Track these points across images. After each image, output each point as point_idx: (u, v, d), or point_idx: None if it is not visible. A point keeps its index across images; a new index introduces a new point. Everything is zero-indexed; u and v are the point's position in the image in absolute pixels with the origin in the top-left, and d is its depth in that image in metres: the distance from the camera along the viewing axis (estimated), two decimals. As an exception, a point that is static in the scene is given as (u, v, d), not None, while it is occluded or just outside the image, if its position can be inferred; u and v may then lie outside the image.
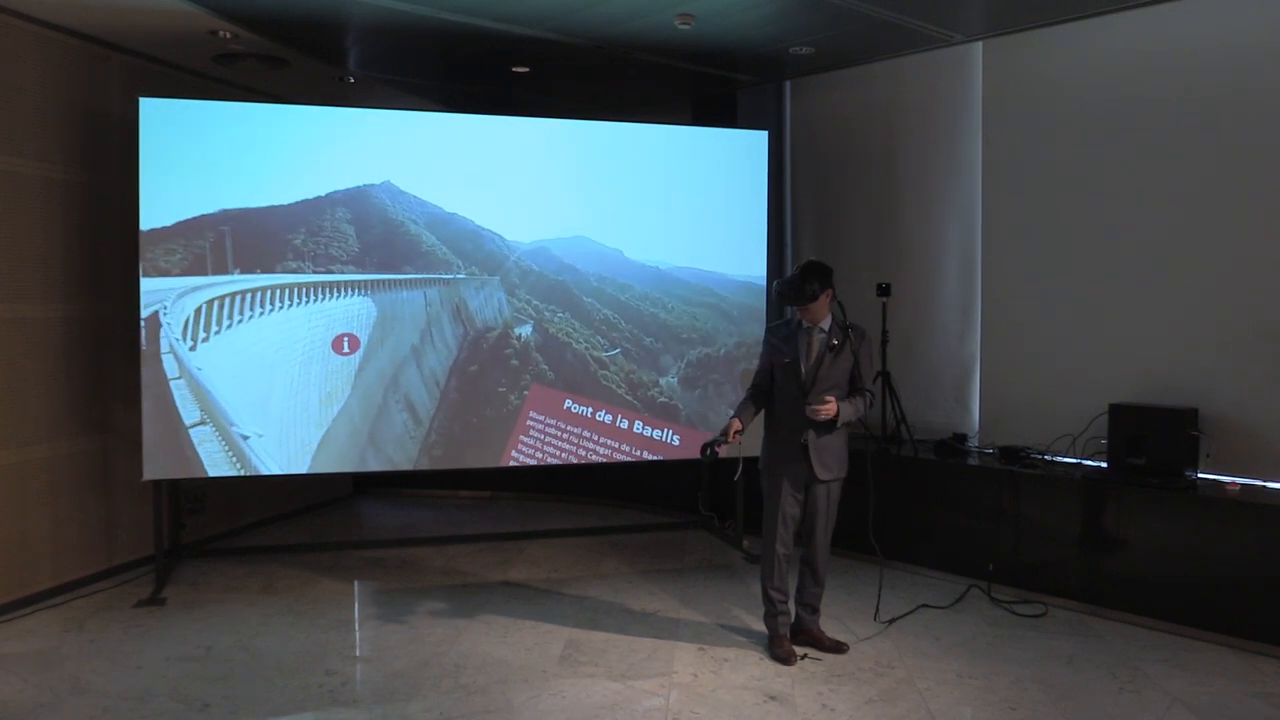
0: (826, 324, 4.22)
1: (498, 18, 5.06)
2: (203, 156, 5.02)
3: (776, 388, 4.29)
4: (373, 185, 5.30)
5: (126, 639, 4.48)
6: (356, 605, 5.07)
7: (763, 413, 4.39)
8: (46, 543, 4.99)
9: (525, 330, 5.64)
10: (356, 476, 7.36)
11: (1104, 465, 4.93)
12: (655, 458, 5.84)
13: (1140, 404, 4.88)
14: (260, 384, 5.13)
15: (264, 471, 5.21)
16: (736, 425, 4.19)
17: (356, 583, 5.44)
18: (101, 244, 5.31)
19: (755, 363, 4.56)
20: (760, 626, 4.45)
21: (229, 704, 3.78)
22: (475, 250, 5.56)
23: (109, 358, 5.35)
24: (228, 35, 5.20)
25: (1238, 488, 4.60)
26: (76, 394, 5.17)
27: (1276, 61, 4.59)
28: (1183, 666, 4.14)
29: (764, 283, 5.91)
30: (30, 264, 4.91)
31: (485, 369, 5.61)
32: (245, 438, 5.04)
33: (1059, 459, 5.22)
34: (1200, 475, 4.69)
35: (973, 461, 5.47)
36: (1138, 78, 5.04)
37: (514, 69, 6.09)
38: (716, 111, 6.76)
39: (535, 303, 5.66)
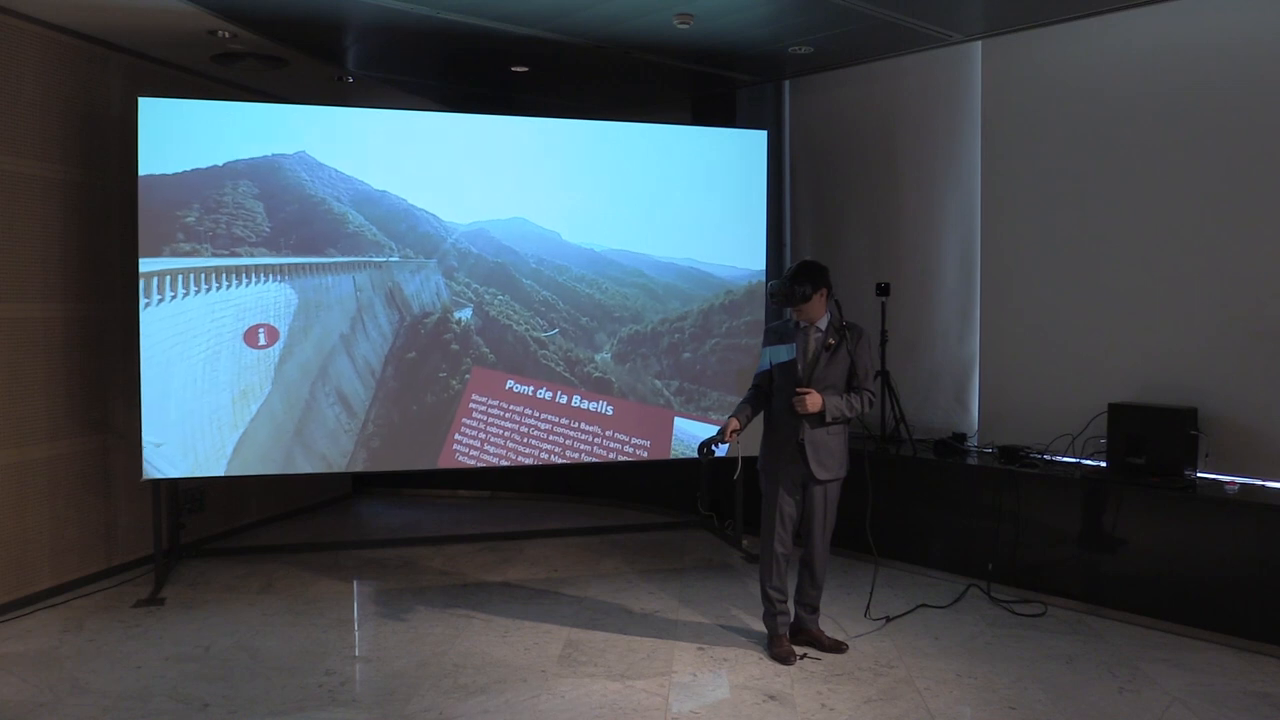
0: (823, 323, 4.22)
1: (497, 17, 5.06)
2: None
3: (774, 387, 4.29)
4: (284, 155, 4.80)
5: (126, 639, 4.48)
6: (356, 605, 5.07)
7: (762, 412, 4.39)
8: (46, 542, 5.00)
9: (465, 314, 5.52)
10: (356, 476, 7.36)
11: (1103, 465, 4.93)
12: (655, 458, 5.85)
13: (1140, 403, 4.88)
14: (156, 385, 4.75)
15: (171, 470, 4.90)
16: (734, 425, 4.19)
17: (356, 582, 5.44)
18: (101, 243, 5.31)
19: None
20: (759, 626, 4.46)
21: (228, 704, 3.78)
22: (409, 232, 5.28)
23: (109, 358, 5.35)
24: (227, 35, 5.20)
25: (1237, 487, 4.60)
26: (76, 394, 5.17)
27: (1277, 61, 4.59)
28: (1182, 666, 4.14)
29: (764, 282, 5.90)
30: (30, 264, 4.90)
31: (424, 355, 5.46)
32: (156, 446, 4.67)
33: (1058, 458, 5.22)
34: (1199, 475, 4.69)
35: (972, 461, 5.47)
36: (1137, 77, 5.04)
37: (513, 69, 6.09)
38: (716, 111, 6.76)
39: (475, 285, 5.53)
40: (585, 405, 5.78)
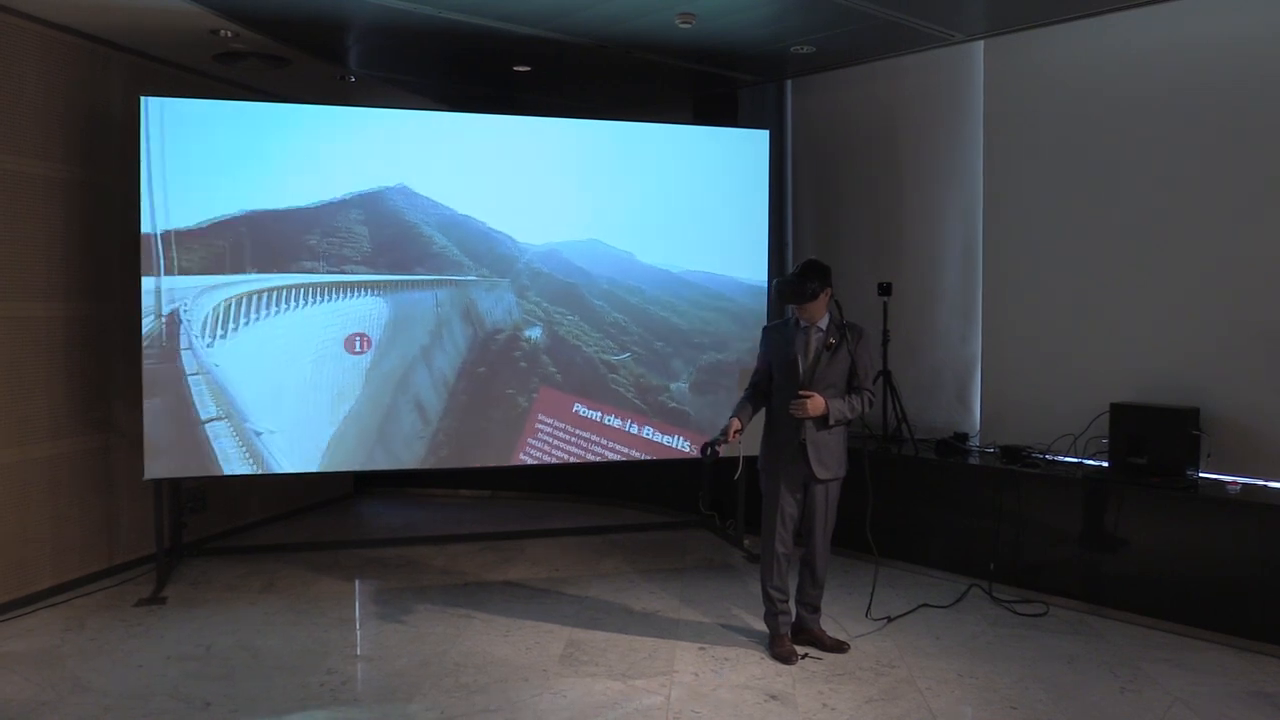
0: (824, 323, 4.22)
1: (499, 17, 5.06)
2: (219, 158, 5.04)
3: (775, 387, 4.28)
4: (388, 188, 5.35)
5: (127, 638, 4.48)
6: (357, 604, 5.07)
7: (761, 412, 4.39)
8: (47, 541, 5.00)
9: (535, 333, 5.64)
10: (357, 476, 7.36)
11: (1105, 464, 4.93)
12: (656, 457, 5.85)
13: (1141, 403, 4.88)
14: (274, 381, 5.16)
15: (276, 468, 5.24)
16: (736, 425, 4.19)
17: (357, 581, 5.44)
18: (102, 243, 5.31)
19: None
20: (761, 626, 4.45)
21: (230, 703, 3.78)
22: (487, 252, 5.58)
23: (110, 357, 5.35)
24: (229, 34, 5.20)
25: (1239, 487, 4.59)
26: (77, 393, 5.17)
27: (1279, 60, 4.59)
28: (1184, 666, 4.14)
29: (765, 282, 5.91)
30: (31, 263, 4.91)
31: (494, 371, 5.62)
32: (259, 434, 5.08)
33: (1060, 458, 5.22)
34: (1201, 475, 4.69)
35: (974, 461, 5.47)
36: (1139, 77, 5.04)
37: (515, 68, 6.10)
38: (717, 110, 6.76)
39: (545, 305, 5.66)
40: (659, 438, 5.79)
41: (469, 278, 5.54)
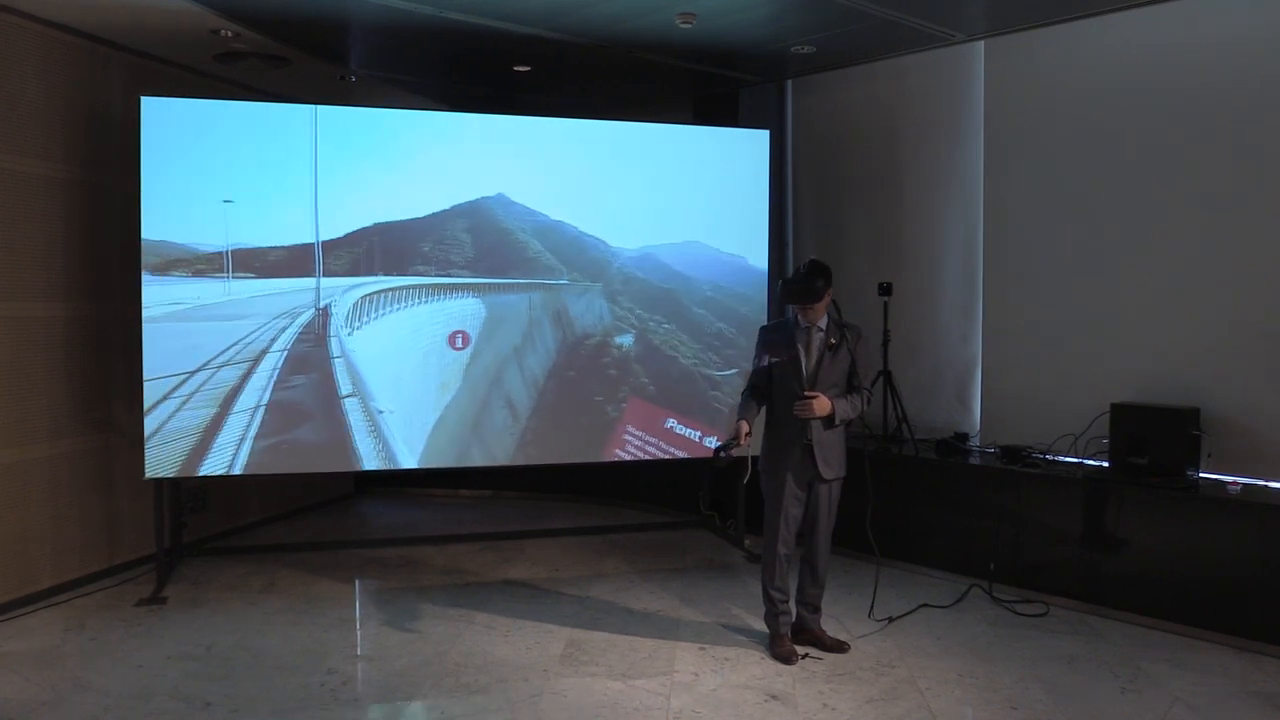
0: (823, 323, 4.23)
1: (499, 16, 5.06)
2: (367, 172, 5.38)
3: (776, 388, 4.28)
4: (488, 198, 5.61)
5: (128, 637, 4.48)
6: (357, 604, 5.07)
7: (761, 413, 4.38)
8: (48, 541, 5.00)
9: (626, 340, 5.67)
10: (357, 475, 7.35)
11: (1105, 465, 4.93)
12: (656, 457, 5.84)
13: (1142, 403, 4.88)
14: (393, 368, 5.50)
15: (392, 443, 5.44)
16: (746, 428, 4.16)
17: (357, 581, 5.44)
18: (102, 243, 5.31)
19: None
20: (761, 626, 4.45)
21: (230, 703, 3.78)
22: (578, 256, 5.70)
23: (110, 357, 5.35)
24: (229, 34, 5.20)
25: (1239, 487, 4.59)
26: (77, 393, 5.17)
27: (1279, 60, 4.59)
28: (1184, 666, 4.14)
29: (765, 282, 5.90)
30: (31, 263, 4.91)
31: (582, 376, 5.69)
32: (380, 412, 5.44)
33: (1060, 458, 5.22)
34: (1202, 475, 4.69)
35: (974, 461, 5.47)
36: (1140, 77, 5.04)
37: (515, 68, 6.09)
38: (717, 110, 6.76)
39: (639, 311, 5.69)
40: None
41: (561, 281, 5.70)
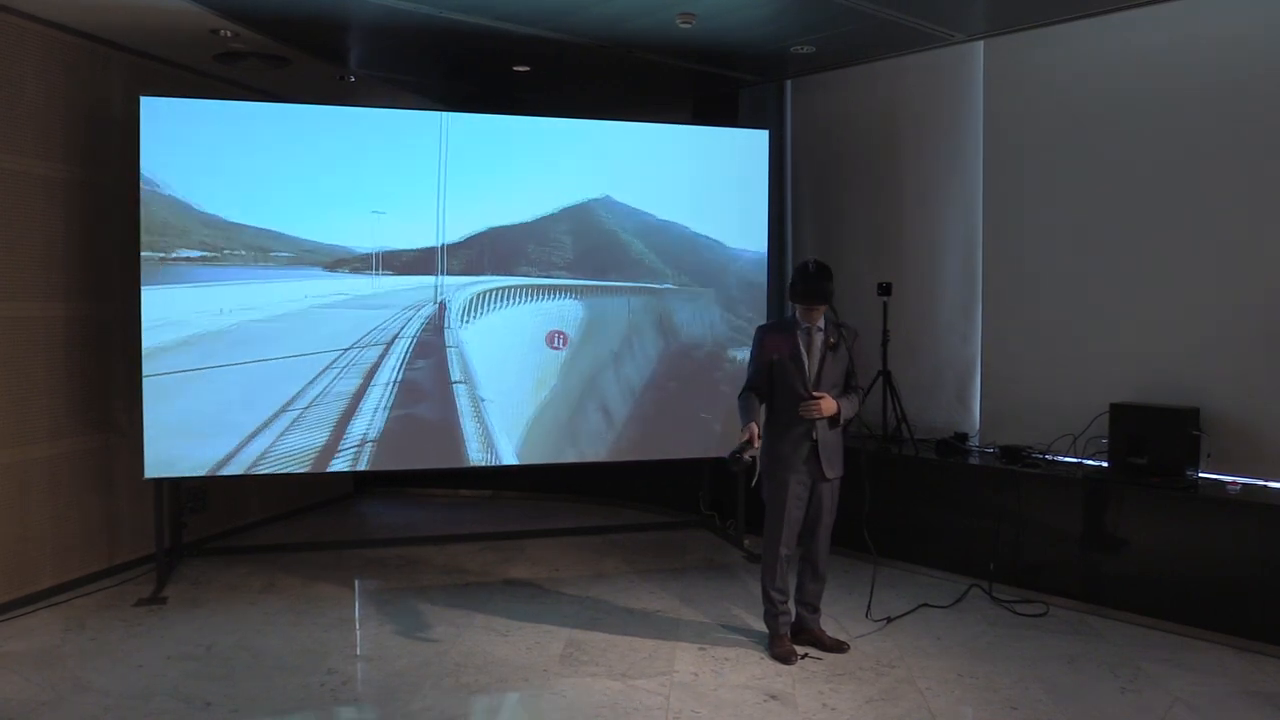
0: (821, 323, 4.23)
1: (499, 16, 5.06)
2: (487, 180, 5.60)
3: (778, 388, 4.26)
4: (593, 200, 5.73)
5: (128, 637, 4.48)
6: (357, 604, 5.07)
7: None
8: (48, 541, 5.00)
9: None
10: (357, 475, 7.36)
11: (1105, 465, 4.93)
12: (656, 457, 5.85)
13: (1141, 403, 4.88)
14: (496, 361, 5.67)
15: (492, 430, 5.57)
16: (755, 430, 4.12)
17: (357, 582, 5.44)
18: (102, 243, 5.31)
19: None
20: (761, 626, 4.45)
21: (230, 703, 3.78)
22: (689, 258, 5.67)
23: (110, 357, 5.35)
24: (229, 34, 5.20)
25: (1238, 487, 4.59)
26: (77, 393, 5.17)
27: (1279, 59, 4.59)
28: (1184, 666, 4.14)
29: (765, 282, 5.90)
30: (31, 262, 4.91)
31: (686, 388, 5.67)
32: (483, 400, 5.61)
33: (1060, 458, 5.22)
34: (1201, 475, 4.69)
35: (974, 461, 5.47)
36: (1140, 77, 5.04)
37: (515, 68, 6.09)
38: (717, 110, 6.75)
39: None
40: None
41: (666, 285, 5.67)
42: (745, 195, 5.88)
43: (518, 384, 5.67)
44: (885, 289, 5.73)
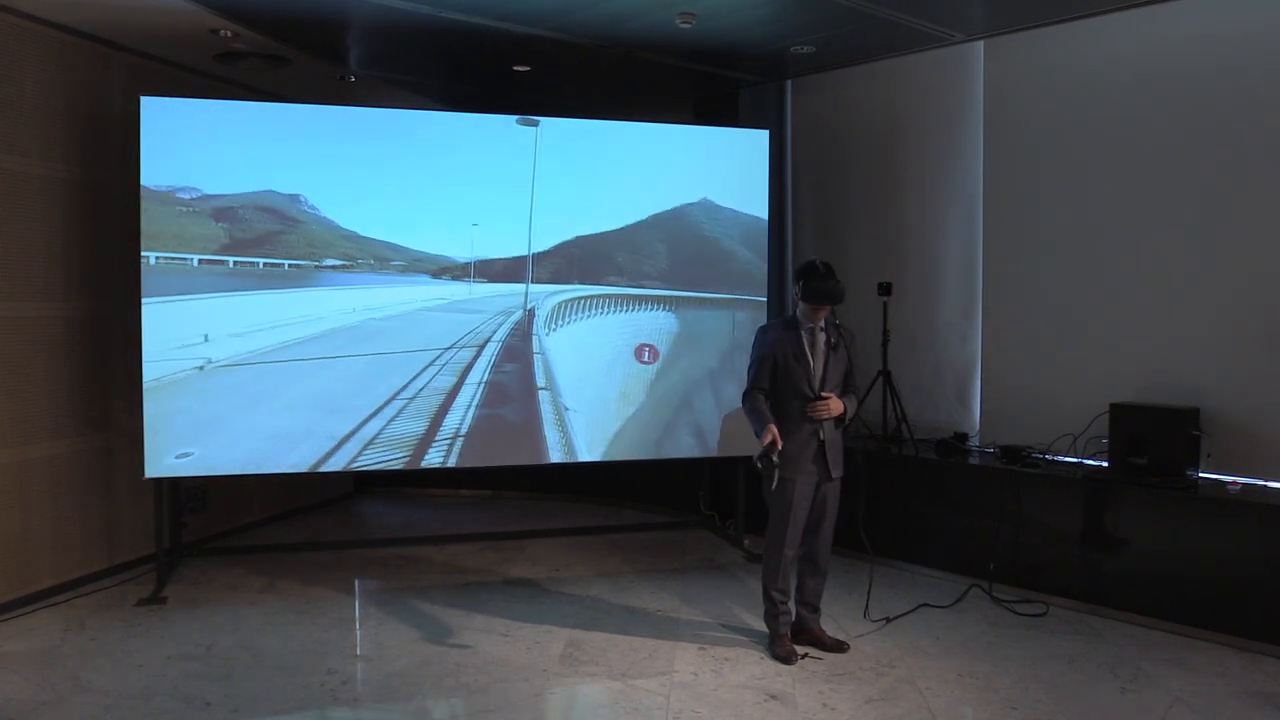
0: (822, 324, 4.23)
1: (499, 16, 5.06)
2: (576, 189, 5.65)
3: (783, 389, 4.25)
4: (689, 204, 5.61)
5: (128, 637, 4.48)
6: (357, 604, 5.07)
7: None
8: (47, 541, 5.00)
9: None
10: (357, 475, 7.36)
11: (1105, 465, 4.93)
12: (656, 457, 5.85)
13: (1142, 403, 4.88)
14: (580, 370, 5.71)
15: (574, 439, 5.62)
16: (776, 431, 4.09)
17: (357, 581, 5.44)
18: (102, 243, 5.31)
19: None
20: (761, 626, 4.45)
21: (230, 703, 3.78)
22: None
23: (110, 357, 5.35)
24: (229, 34, 5.20)
25: (1239, 487, 4.59)
26: (77, 392, 5.17)
27: (1278, 59, 4.58)
28: (1184, 666, 4.14)
29: (764, 282, 5.90)
30: (31, 262, 4.91)
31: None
32: (566, 409, 5.64)
33: (1060, 458, 5.22)
34: (1201, 475, 4.69)
35: (974, 461, 5.47)
36: (1140, 76, 5.04)
37: (515, 68, 6.09)
38: (717, 110, 6.76)
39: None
40: None
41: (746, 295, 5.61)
42: (748, 195, 5.86)
43: (600, 395, 5.69)
44: (885, 289, 5.73)
